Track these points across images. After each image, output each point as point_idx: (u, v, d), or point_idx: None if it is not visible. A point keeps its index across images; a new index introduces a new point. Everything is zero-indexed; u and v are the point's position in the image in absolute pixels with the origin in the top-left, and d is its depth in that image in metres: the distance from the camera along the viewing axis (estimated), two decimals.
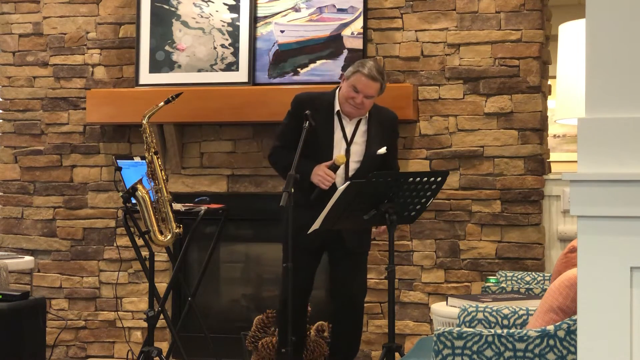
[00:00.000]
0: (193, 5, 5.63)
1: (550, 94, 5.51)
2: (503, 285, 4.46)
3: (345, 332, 4.60)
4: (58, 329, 5.76)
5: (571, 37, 4.81)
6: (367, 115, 4.47)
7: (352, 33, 5.41)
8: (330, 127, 4.43)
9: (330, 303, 4.76)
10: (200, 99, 5.44)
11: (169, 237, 4.66)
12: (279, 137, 4.56)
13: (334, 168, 4.35)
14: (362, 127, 4.48)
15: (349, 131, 4.46)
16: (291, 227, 4.05)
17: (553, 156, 6.04)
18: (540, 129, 5.24)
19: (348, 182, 3.99)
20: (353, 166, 4.46)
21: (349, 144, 4.45)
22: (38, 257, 5.84)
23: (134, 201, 4.67)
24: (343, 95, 4.42)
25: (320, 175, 4.33)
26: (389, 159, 4.53)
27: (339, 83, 5.40)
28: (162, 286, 5.44)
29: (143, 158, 4.83)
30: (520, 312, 3.28)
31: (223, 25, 5.59)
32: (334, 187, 4.33)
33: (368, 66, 4.39)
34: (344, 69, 5.33)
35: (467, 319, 3.29)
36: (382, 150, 4.43)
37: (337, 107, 4.45)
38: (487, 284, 4.45)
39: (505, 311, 3.29)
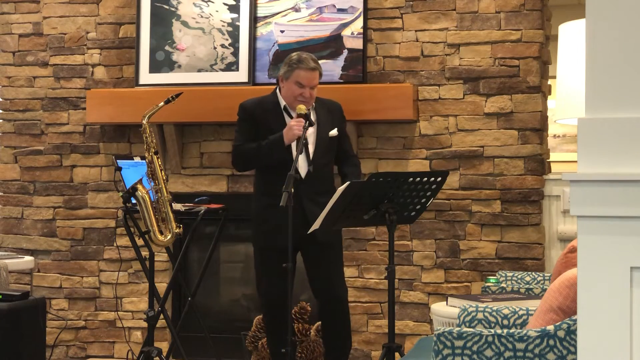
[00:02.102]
0: (193, 5, 5.63)
1: (550, 94, 5.51)
2: (503, 285, 4.46)
3: (335, 329, 4.59)
4: (58, 329, 5.76)
5: (571, 37, 4.81)
6: (313, 104, 4.57)
7: (352, 33, 5.40)
8: (282, 123, 4.51)
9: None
10: (200, 99, 5.44)
11: (169, 237, 4.66)
12: (238, 139, 4.60)
13: (302, 117, 4.43)
14: (312, 116, 4.55)
15: None
16: (290, 227, 4.06)
17: (553, 156, 6.04)
18: (540, 129, 5.24)
19: (348, 182, 4.00)
20: (311, 150, 4.51)
21: (302, 134, 4.46)
22: (38, 257, 5.84)
23: (134, 201, 4.67)
24: (290, 95, 4.51)
25: (293, 124, 4.38)
26: (344, 144, 4.67)
27: (340, 83, 5.40)
28: (162, 286, 5.43)
29: (143, 158, 4.83)
30: (520, 312, 3.28)
31: (223, 25, 5.59)
32: (288, 170, 4.23)
33: (304, 60, 4.51)
34: (344, 68, 5.33)
35: (467, 319, 3.29)
36: (334, 132, 4.58)
37: (282, 103, 4.56)
38: (487, 284, 4.45)
39: (505, 311, 3.29)
